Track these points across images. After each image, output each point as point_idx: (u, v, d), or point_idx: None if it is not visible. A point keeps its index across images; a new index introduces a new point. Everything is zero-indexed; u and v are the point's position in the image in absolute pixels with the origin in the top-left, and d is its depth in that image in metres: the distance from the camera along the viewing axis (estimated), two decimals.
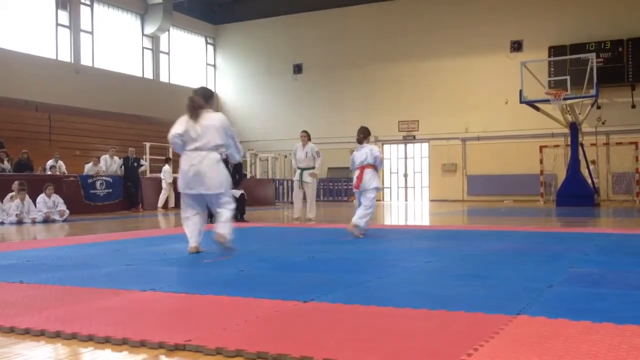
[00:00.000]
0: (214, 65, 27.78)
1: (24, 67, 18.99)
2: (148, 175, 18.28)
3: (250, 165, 23.42)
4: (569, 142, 17.18)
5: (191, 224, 5.59)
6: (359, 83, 24.60)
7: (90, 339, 2.55)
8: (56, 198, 12.23)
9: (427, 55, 23.51)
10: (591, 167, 17.80)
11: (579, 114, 17.17)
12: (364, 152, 7.52)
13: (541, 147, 20.06)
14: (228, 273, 4.42)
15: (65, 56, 20.80)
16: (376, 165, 7.56)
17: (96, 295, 3.53)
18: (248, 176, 21.38)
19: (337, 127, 23.81)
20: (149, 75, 23.91)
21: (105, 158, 16.23)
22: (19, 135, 17.13)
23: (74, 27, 20.95)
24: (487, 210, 15.49)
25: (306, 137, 10.69)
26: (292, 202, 13.20)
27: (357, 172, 7.54)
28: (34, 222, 11.55)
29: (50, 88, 19.76)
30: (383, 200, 24.22)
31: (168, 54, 25.10)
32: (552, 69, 20.71)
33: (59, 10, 20.57)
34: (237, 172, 11.86)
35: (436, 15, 23.40)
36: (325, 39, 25.33)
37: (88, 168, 15.76)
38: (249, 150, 24.07)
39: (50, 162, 14.96)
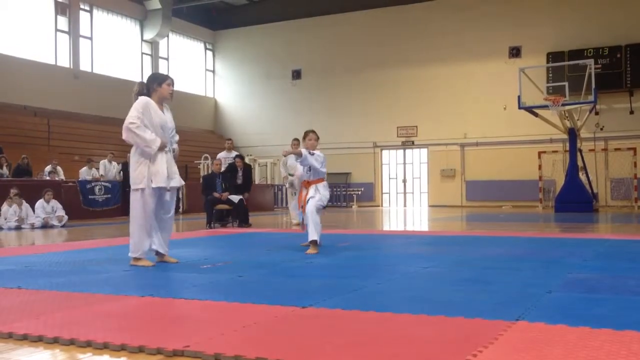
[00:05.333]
0: (213, 71, 27.82)
1: (23, 72, 18.99)
2: None
3: None
4: (568, 148, 17.20)
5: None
6: (358, 89, 24.63)
7: (88, 345, 2.55)
8: (55, 203, 12.22)
9: (425, 61, 23.55)
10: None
11: (578, 119, 17.19)
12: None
13: (540, 153, 20.07)
14: (226, 278, 4.41)
15: (65, 61, 20.82)
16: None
17: (94, 301, 3.52)
18: None
19: (336, 133, 23.83)
20: None
21: (104, 163, 16.26)
22: (17, 140, 17.11)
23: (73, 32, 20.98)
24: (485, 215, 15.49)
25: (298, 144, 10.80)
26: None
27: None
28: (32, 227, 11.54)
29: (49, 93, 19.76)
30: (382, 206, 24.22)
31: (167, 59, 25.14)
32: (550, 75, 20.74)
33: (58, 16, 20.60)
34: (246, 176, 11.77)
35: (434, 22, 23.45)
36: (324, 44, 25.37)
37: (83, 172, 15.77)
38: (247, 155, 24.07)
39: (48, 168, 14.96)
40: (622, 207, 19.22)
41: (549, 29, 21.74)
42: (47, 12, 20.33)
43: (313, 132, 6.79)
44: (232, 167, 11.75)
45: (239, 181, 11.66)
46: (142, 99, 5.22)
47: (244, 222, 11.24)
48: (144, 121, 5.12)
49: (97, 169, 16.17)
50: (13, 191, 11.79)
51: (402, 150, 24.58)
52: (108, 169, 16.23)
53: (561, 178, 18.04)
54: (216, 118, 27.58)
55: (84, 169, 15.89)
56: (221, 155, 12.58)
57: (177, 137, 5.58)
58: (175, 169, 5.38)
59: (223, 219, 11.49)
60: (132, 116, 5.10)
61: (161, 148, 5.15)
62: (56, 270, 4.96)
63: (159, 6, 23.48)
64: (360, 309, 3.15)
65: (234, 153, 12.68)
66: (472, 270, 4.69)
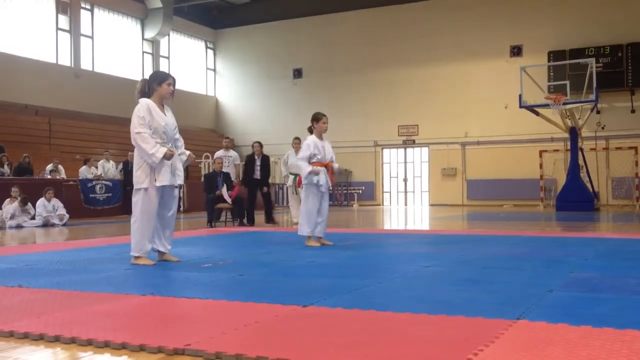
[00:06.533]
0: (214, 70, 27.81)
1: (24, 71, 18.99)
2: None
3: None
4: (569, 147, 17.18)
5: None
6: (359, 88, 24.61)
7: (89, 344, 2.55)
8: (56, 202, 12.23)
9: (426, 60, 23.53)
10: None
11: (579, 118, 17.18)
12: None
13: (541, 152, 20.06)
14: (227, 277, 4.41)
15: (66, 60, 20.82)
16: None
17: (95, 300, 3.53)
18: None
19: (337, 132, 23.77)
20: None
21: (102, 163, 16.20)
22: (19, 139, 17.12)
23: (74, 31, 20.97)
24: (486, 214, 15.48)
25: (299, 143, 10.85)
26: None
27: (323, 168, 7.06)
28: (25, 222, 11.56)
29: (51, 92, 19.76)
30: (383, 205, 24.22)
31: (168, 58, 25.14)
32: (551, 74, 20.73)
33: (60, 15, 20.59)
34: (264, 168, 11.36)
35: (435, 21, 23.42)
36: (325, 44, 25.35)
37: (83, 170, 15.76)
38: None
39: (49, 167, 14.96)
40: (623, 206, 19.20)
41: (550, 28, 21.71)
42: (48, 10, 20.32)
43: (326, 115, 7.14)
44: (250, 159, 11.41)
45: (257, 175, 11.16)
46: (142, 103, 5.20)
47: (250, 221, 11.22)
48: (146, 125, 5.10)
49: (97, 167, 16.17)
50: (15, 190, 11.80)
51: (403, 149, 24.56)
52: (107, 168, 16.22)
53: (562, 177, 18.03)
54: (217, 117, 27.58)
55: (84, 167, 15.89)
56: (219, 154, 12.50)
57: (182, 142, 5.53)
58: (179, 165, 5.38)
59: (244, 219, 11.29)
60: (136, 124, 5.08)
61: (166, 158, 5.12)
62: (57, 269, 4.96)
63: (160, 5, 23.47)
64: (361, 308, 3.15)
65: (232, 152, 12.66)
66: (473, 270, 4.69)
